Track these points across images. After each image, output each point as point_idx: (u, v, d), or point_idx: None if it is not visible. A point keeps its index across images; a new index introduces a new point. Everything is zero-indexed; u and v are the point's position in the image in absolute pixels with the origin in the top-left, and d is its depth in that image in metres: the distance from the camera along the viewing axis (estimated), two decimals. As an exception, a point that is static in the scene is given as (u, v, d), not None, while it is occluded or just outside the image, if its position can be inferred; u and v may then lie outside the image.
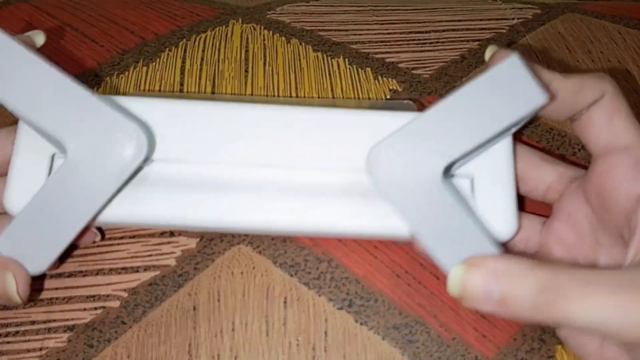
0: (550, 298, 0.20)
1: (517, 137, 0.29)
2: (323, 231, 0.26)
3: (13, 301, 0.24)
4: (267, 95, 0.35)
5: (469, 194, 0.26)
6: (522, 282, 0.21)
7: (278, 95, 0.35)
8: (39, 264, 0.24)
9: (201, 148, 0.26)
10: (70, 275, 0.28)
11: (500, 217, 0.25)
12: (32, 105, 0.22)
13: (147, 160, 0.25)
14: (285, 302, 0.28)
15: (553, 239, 0.27)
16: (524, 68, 0.23)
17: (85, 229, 0.25)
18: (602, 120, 0.24)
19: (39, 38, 0.25)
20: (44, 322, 0.27)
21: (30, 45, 0.24)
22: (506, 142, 0.26)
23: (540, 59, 0.37)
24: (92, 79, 0.35)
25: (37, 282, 0.28)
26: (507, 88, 0.22)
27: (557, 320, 0.20)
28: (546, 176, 0.27)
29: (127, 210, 0.25)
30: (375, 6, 0.42)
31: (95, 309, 0.28)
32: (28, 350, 0.26)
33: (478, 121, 0.23)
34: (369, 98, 0.35)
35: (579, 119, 0.25)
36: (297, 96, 0.35)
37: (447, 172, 0.25)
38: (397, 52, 0.38)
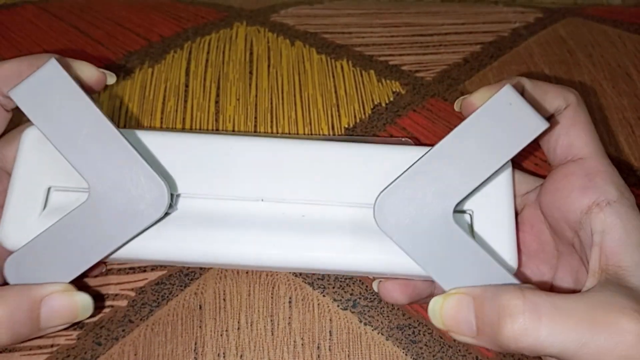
0: (529, 319, 0.20)
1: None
2: (329, 269, 0.25)
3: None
4: (270, 97, 0.35)
5: (468, 229, 0.25)
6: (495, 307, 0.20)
7: (282, 97, 0.35)
8: None
9: (215, 183, 0.25)
10: (83, 275, 0.29)
11: (500, 253, 0.24)
12: (66, 141, 0.23)
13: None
14: (290, 302, 0.28)
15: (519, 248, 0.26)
16: (519, 97, 0.22)
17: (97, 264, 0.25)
18: (562, 130, 0.24)
19: (111, 79, 0.26)
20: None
21: (100, 80, 0.25)
22: (506, 177, 0.25)
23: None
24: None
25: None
26: (505, 119, 0.22)
27: (529, 344, 0.20)
28: None
29: (141, 247, 0.24)
30: (379, 9, 0.42)
31: (104, 307, 0.28)
32: (40, 347, 0.27)
33: (482, 156, 0.22)
34: (372, 100, 0.35)
35: None
36: (300, 97, 0.35)
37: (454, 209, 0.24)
38: (400, 54, 0.38)
